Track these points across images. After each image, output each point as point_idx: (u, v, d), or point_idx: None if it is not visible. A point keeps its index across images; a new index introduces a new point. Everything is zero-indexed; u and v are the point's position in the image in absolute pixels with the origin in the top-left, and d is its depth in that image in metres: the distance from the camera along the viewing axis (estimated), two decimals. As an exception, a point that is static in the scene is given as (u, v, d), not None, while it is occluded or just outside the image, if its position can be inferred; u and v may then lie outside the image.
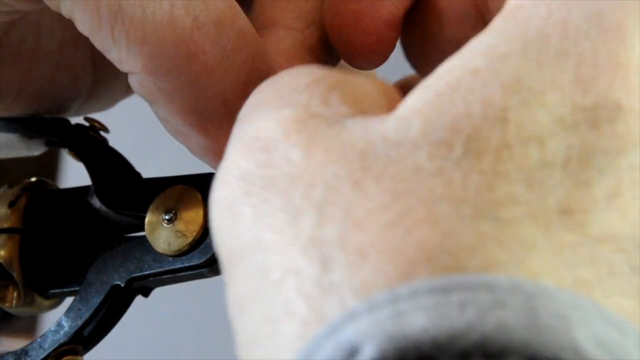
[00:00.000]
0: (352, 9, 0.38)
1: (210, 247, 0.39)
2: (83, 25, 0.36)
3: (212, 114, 0.37)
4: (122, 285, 0.40)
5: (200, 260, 0.39)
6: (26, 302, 0.42)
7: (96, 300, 0.39)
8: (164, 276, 0.39)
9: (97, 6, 0.35)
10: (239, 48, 0.36)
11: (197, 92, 0.36)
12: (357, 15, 0.38)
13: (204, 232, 0.39)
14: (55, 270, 0.42)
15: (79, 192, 0.43)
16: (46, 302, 0.43)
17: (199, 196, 0.39)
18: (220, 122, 0.37)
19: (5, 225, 0.42)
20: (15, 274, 0.41)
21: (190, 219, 0.39)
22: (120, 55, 0.36)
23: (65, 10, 0.36)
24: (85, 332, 0.40)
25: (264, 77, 0.36)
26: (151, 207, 0.40)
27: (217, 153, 0.37)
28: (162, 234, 0.39)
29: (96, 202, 0.42)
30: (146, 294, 0.41)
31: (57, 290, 0.42)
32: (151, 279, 0.40)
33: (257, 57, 0.37)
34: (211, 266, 0.39)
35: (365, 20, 0.38)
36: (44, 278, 0.42)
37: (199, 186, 0.39)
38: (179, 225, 0.39)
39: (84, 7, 0.35)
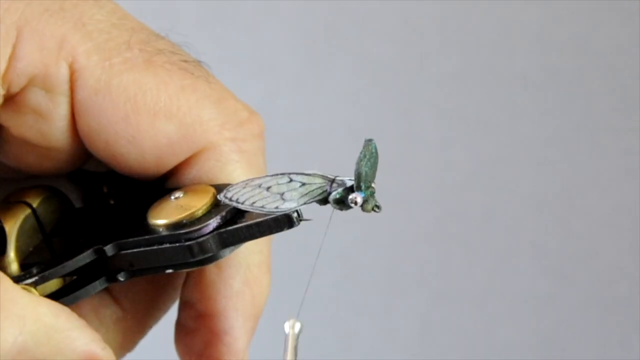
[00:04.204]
0: None
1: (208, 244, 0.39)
2: None
3: None
4: (105, 249, 0.39)
5: (189, 235, 0.38)
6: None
7: (75, 256, 0.39)
8: (151, 247, 0.39)
9: None
10: None
11: None
12: None
13: (204, 215, 0.39)
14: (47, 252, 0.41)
15: (95, 179, 0.43)
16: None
17: (212, 190, 0.40)
18: None
19: (23, 198, 0.42)
20: (8, 245, 0.41)
21: (196, 199, 0.39)
22: None
23: None
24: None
25: None
26: (165, 196, 0.40)
27: None
28: (164, 206, 0.39)
29: (110, 194, 0.42)
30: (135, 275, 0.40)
31: (46, 272, 0.40)
32: (137, 249, 0.39)
33: None
34: (194, 251, 0.38)
35: None
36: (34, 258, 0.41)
37: (215, 186, 0.40)
38: (183, 201, 0.39)
39: None
